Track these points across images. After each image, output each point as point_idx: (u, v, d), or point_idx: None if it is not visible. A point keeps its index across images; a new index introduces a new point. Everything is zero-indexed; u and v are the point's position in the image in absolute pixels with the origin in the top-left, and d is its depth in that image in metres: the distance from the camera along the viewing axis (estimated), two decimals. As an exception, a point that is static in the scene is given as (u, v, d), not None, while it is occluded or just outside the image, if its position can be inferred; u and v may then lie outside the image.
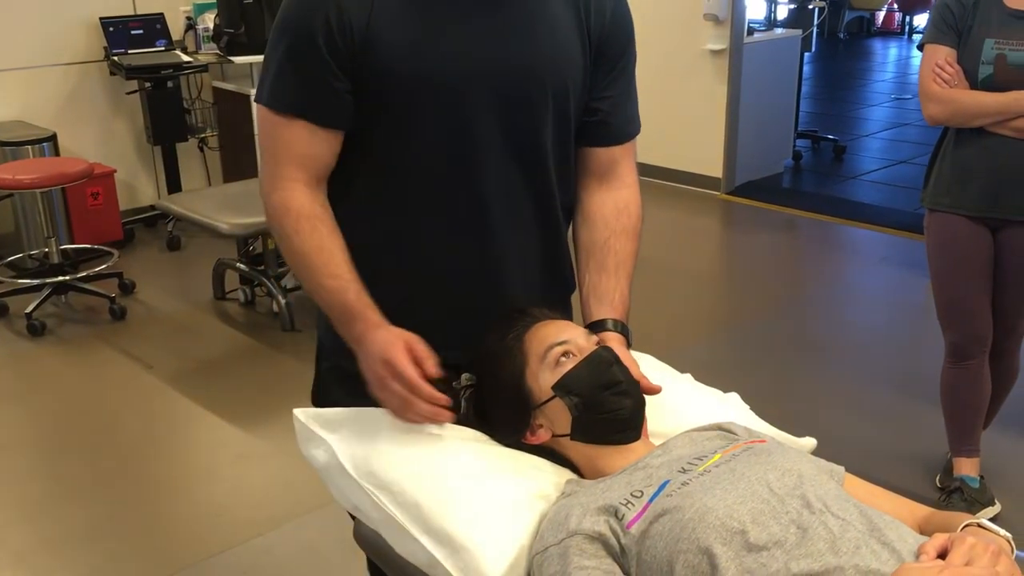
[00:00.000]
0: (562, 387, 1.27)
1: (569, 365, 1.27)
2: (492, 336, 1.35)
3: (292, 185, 1.34)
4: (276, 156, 1.36)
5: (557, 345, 1.29)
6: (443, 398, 1.24)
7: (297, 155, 1.34)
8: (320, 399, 1.51)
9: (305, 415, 1.37)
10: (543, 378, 1.28)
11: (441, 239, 1.39)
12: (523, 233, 1.43)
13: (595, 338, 1.32)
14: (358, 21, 1.28)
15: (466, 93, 1.32)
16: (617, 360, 1.28)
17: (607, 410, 1.26)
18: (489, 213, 1.38)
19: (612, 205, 1.47)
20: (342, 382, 1.42)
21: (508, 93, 1.34)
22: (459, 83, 1.31)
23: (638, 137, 1.49)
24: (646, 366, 1.39)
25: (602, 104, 1.44)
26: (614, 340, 1.37)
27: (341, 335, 1.34)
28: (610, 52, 1.43)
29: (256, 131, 1.45)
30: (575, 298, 1.51)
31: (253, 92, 4.85)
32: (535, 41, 1.34)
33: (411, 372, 1.22)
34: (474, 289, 1.41)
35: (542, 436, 1.30)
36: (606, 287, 1.43)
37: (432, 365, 1.24)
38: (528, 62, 1.34)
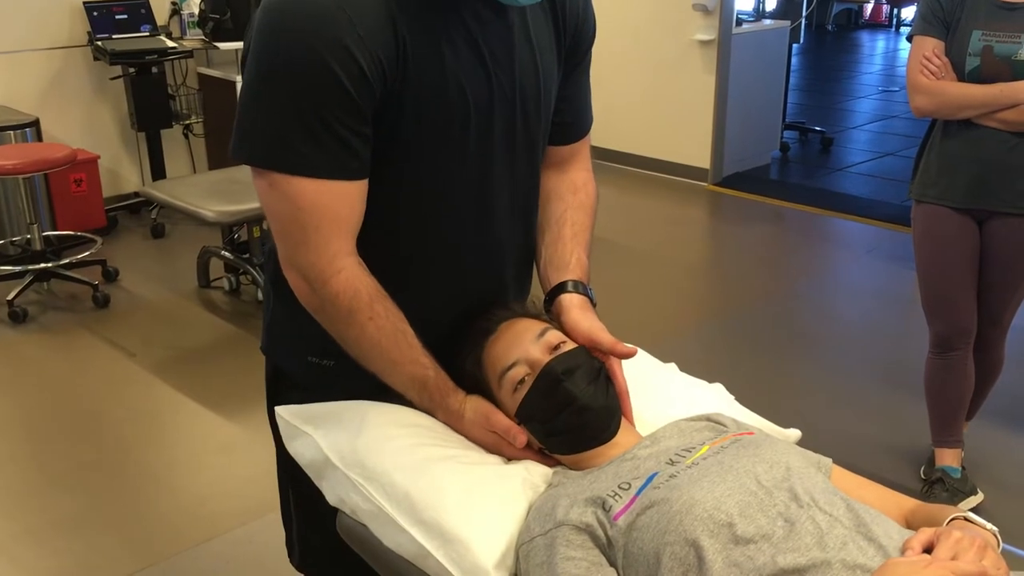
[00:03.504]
0: (521, 416, 1.27)
1: (523, 390, 1.26)
2: (461, 358, 1.33)
3: (349, 261, 1.21)
4: (319, 229, 1.18)
5: (507, 371, 1.27)
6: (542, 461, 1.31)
7: (343, 222, 1.20)
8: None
9: (288, 412, 1.36)
10: (505, 405, 1.29)
11: (453, 263, 1.35)
12: (518, 243, 1.43)
13: (548, 338, 1.28)
14: (388, 57, 1.14)
15: (489, 125, 1.28)
16: (568, 372, 1.24)
17: (569, 429, 1.25)
18: (496, 232, 1.37)
19: (568, 183, 1.47)
20: None
21: (518, 115, 1.32)
22: (485, 116, 1.26)
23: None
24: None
25: (568, 104, 1.44)
26: (575, 303, 1.35)
27: (417, 407, 1.32)
28: (578, 52, 1.42)
29: (262, 201, 1.22)
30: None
31: (238, 78, 4.82)
32: (535, 69, 1.32)
33: (520, 454, 1.30)
34: (468, 305, 1.39)
35: (531, 445, 1.30)
36: (562, 254, 1.41)
37: (517, 434, 1.27)
38: (533, 91, 1.32)
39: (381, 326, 1.23)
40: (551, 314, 1.38)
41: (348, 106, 1.14)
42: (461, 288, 1.37)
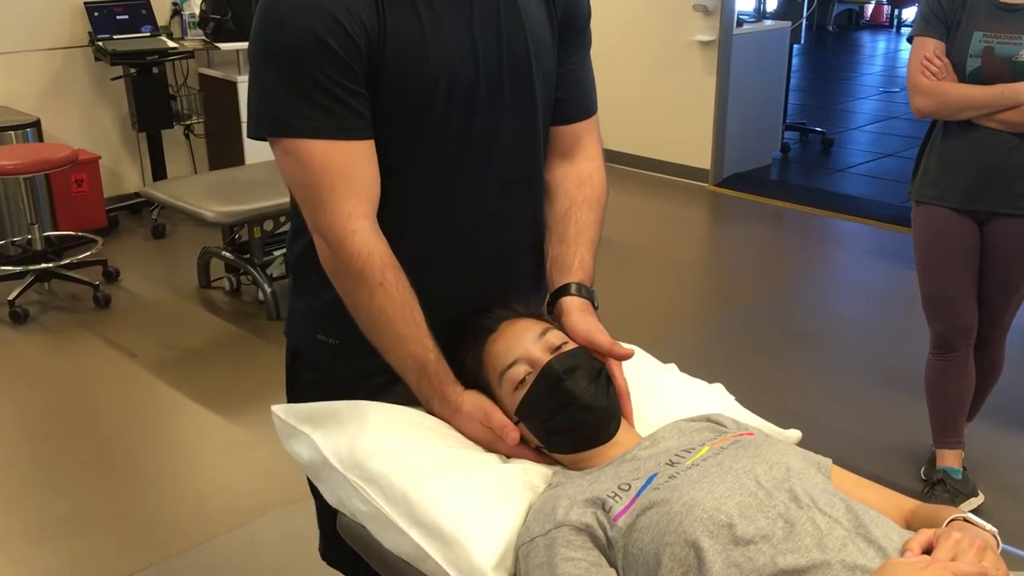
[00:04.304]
0: (521, 414, 1.27)
1: (524, 389, 1.26)
2: (460, 354, 1.34)
3: (364, 223, 1.25)
4: (333, 190, 1.24)
5: (508, 369, 1.27)
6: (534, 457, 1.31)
7: (355, 182, 1.25)
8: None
9: (284, 411, 1.36)
10: (505, 403, 1.29)
11: (450, 242, 1.37)
12: (521, 222, 1.43)
13: (549, 338, 1.29)
14: (370, 21, 1.22)
15: (474, 91, 1.30)
16: (569, 372, 1.25)
17: (569, 428, 1.25)
18: (491, 207, 1.38)
19: (575, 176, 1.46)
20: (329, 395, 1.39)
21: (507, 92, 1.33)
22: (469, 82, 1.29)
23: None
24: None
25: (563, 81, 1.44)
26: (576, 305, 1.35)
27: (413, 392, 1.32)
28: (571, 29, 1.43)
29: (281, 170, 1.29)
30: None
31: (239, 78, 4.82)
32: (523, 35, 1.34)
33: (516, 452, 1.30)
34: (480, 286, 1.40)
35: (528, 443, 1.30)
36: (566, 255, 1.41)
37: (510, 431, 1.27)
38: (522, 57, 1.34)
39: (390, 294, 1.26)
40: (553, 316, 1.38)
41: (340, 67, 1.21)
42: (462, 263, 1.38)
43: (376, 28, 1.22)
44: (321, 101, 1.22)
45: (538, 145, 1.42)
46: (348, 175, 1.25)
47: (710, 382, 1.52)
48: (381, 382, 1.35)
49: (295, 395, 1.51)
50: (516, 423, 1.27)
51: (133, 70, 4.74)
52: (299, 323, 1.48)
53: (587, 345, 1.31)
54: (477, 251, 1.39)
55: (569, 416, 1.24)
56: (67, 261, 4.14)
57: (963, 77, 2.34)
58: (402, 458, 1.24)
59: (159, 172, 4.98)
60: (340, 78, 1.22)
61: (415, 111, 1.28)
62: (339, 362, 1.41)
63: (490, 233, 1.39)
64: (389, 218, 1.30)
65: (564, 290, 1.38)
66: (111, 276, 4.24)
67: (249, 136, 1.30)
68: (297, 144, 1.24)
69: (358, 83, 1.23)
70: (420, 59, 1.25)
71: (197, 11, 4.89)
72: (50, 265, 4.06)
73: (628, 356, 1.31)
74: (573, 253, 1.41)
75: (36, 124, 4.46)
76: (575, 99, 1.46)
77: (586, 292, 1.38)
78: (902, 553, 1.01)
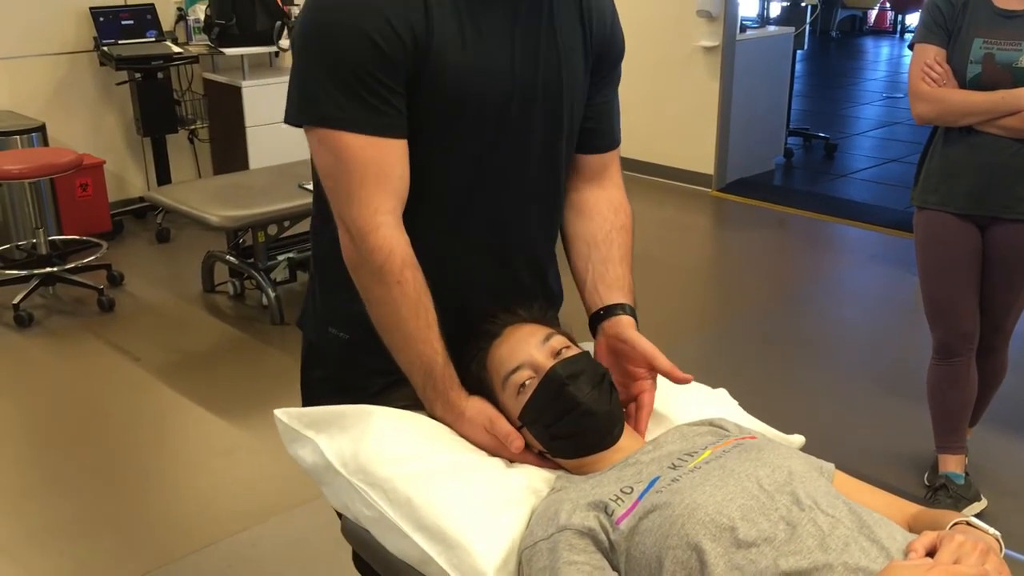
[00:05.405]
0: (524, 419, 1.28)
1: (527, 393, 1.27)
2: (465, 359, 1.35)
3: (389, 219, 1.27)
4: (363, 184, 1.26)
5: (511, 373, 1.28)
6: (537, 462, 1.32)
7: (385, 179, 1.27)
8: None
9: (287, 415, 1.36)
10: (508, 408, 1.30)
11: (463, 251, 1.39)
12: (536, 235, 1.46)
13: (552, 343, 1.30)
14: (419, 25, 1.24)
15: (507, 106, 1.32)
16: (572, 377, 1.26)
17: (572, 433, 1.26)
18: (509, 218, 1.40)
19: (607, 202, 1.51)
20: (339, 393, 1.41)
21: (538, 112, 1.35)
22: (503, 96, 1.31)
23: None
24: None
25: (595, 111, 1.47)
26: (626, 323, 1.40)
27: (418, 394, 1.33)
28: (605, 63, 1.46)
29: (314, 159, 1.32)
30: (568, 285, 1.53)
31: (243, 83, 4.83)
32: (558, 61, 1.36)
33: (519, 457, 1.31)
34: (489, 293, 1.41)
35: (531, 448, 1.31)
36: (615, 275, 1.46)
37: (514, 439, 1.28)
38: (555, 81, 1.36)
39: (406, 292, 1.27)
40: (600, 328, 1.41)
41: (385, 66, 1.23)
42: (474, 269, 1.40)
43: (423, 34, 1.24)
44: (364, 97, 1.24)
45: (560, 165, 1.44)
46: (380, 171, 1.26)
47: (713, 387, 1.53)
48: (386, 383, 1.36)
49: (308, 392, 1.52)
50: (519, 428, 1.28)
51: (138, 75, 4.75)
52: (313, 313, 1.50)
53: (646, 363, 1.34)
54: (490, 259, 1.41)
55: (572, 421, 1.25)
56: (71, 265, 4.15)
57: (963, 83, 2.34)
58: (406, 462, 1.24)
59: (163, 177, 5.00)
60: (384, 77, 1.24)
61: (448, 117, 1.30)
62: (347, 359, 1.43)
63: (504, 243, 1.41)
64: (409, 218, 1.31)
65: (617, 308, 1.42)
66: (115, 280, 4.25)
67: (286, 122, 1.32)
68: (334, 135, 1.26)
69: (399, 83, 1.25)
70: (459, 68, 1.27)
71: (202, 16, 4.91)
72: (54, 269, 4.07)
73: (687, 381, 1.34)
74: (623, 275, 1.46)
75: (41, 129, 4.48)
76: (606, 131, 1.50)
77: (631, 311, 1.43)
78: (906, 555, 1.02)
